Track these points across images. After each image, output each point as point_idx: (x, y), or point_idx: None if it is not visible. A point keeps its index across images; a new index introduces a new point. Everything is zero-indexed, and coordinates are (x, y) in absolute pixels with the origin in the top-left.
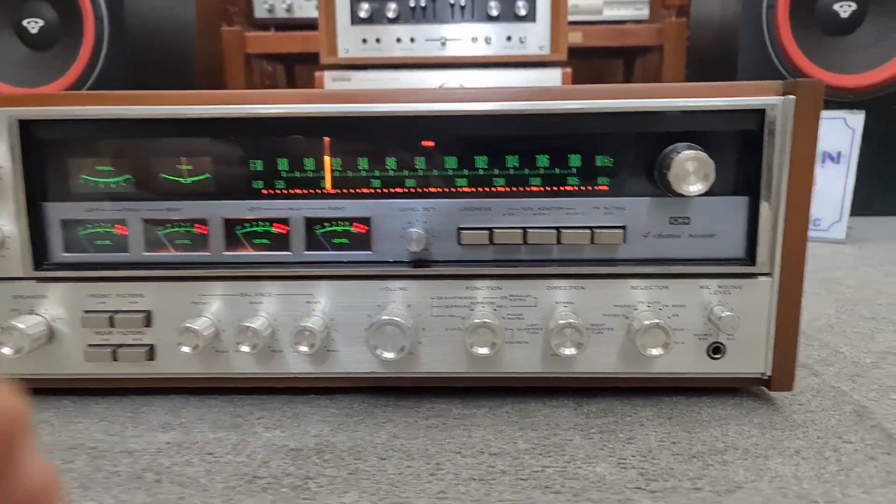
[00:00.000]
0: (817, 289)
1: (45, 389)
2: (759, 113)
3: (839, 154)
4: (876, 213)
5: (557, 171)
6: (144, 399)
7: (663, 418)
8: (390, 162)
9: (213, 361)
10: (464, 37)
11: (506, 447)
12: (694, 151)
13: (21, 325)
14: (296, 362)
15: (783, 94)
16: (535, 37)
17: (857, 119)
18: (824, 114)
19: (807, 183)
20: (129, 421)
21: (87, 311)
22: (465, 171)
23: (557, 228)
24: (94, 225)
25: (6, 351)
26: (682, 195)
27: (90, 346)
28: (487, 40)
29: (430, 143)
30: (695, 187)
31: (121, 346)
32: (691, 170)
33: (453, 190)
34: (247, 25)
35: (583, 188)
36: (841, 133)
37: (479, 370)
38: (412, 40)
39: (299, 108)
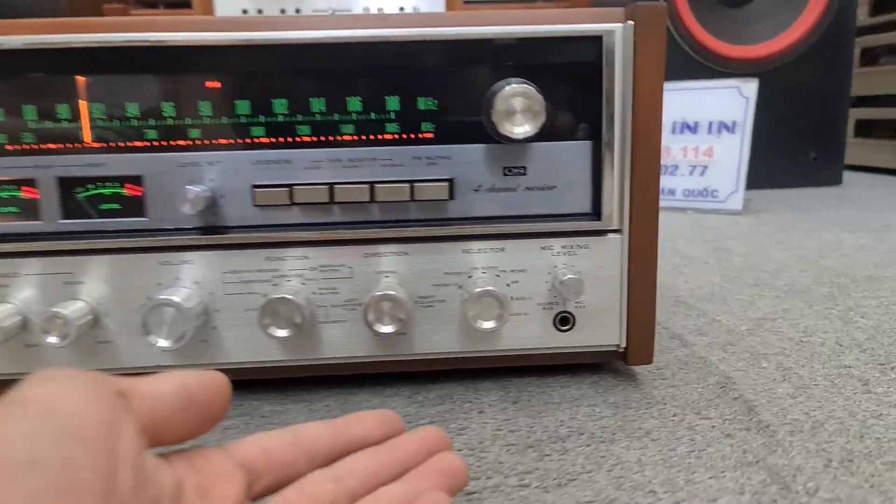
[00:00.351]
0: (708, 258)
1: None
2: (596, 41)
3: (734, 123)
4: (778, 186)
5: (373, 115)
6: None
7: (507, 403)
8: (167, 108)
9: None
10: None
11: None
12: (520, 85)
13: None
14: (59, 359)
15: (624, 21)
16: None
17: (750, 87)
18: (718, 83)
19: (654, 123)
20: None
21: None
22: (261, 118)
23: (371, 183)
24: None
25: None
26: (509, 139)
27: None
28: None
29: (216, 84)
30: (522, 129)
31: None
32: (518, 107)
33: (246, 140)
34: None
35: (403, 136)
36: (735, 102)
37: (290, 357)
38: None
39: (47, 38)
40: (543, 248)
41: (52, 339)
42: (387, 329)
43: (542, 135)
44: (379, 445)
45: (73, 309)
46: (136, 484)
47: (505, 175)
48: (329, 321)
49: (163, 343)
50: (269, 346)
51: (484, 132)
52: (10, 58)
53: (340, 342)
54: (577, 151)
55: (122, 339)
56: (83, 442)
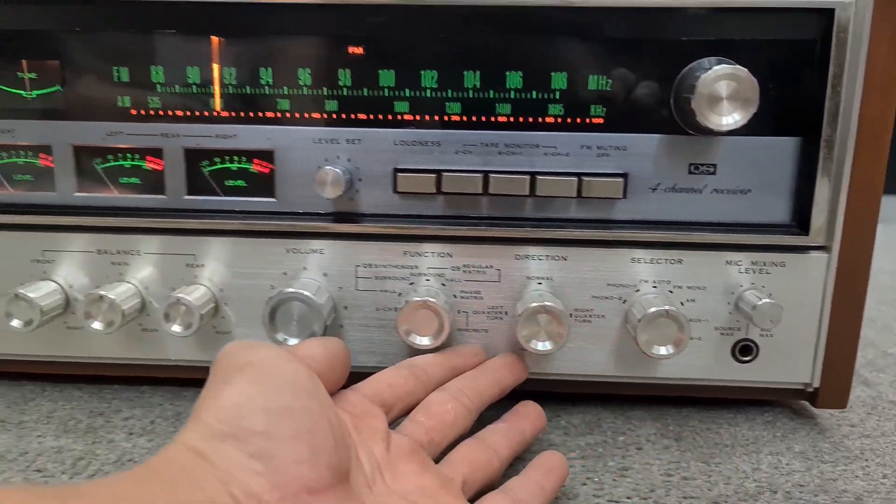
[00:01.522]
0: None
1: None
2: (826, 15)
3: None
4: None
5: (534, 94)
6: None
7: (669, 439)
8: (303, 75)
9: (64, 341)
10: None
11: None
12: (730, 67)
13: None
14: (177, 346)
15: None
16: None
17: None
18: None
19: (885, 119)
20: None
21: None
22: (406, 91)
23: (532, 174)
24: None
25: None
26: (709, 131)
27: None
28: None
29: (358, 49)
30: (730, 119)
31: None
32: (725, 93)
33: (389, 117)
34: None
35: (569, 120)
36: None
37: None
38: None
39: None
40: (729, 263)
41: (176, 329)
42: (543, 347)
43: (740, 128)
44: (476, 369)
45: (196, 296)
46: (339, 422)
47: (690, 173)
48: (468, 329)
49: (292, 342)
50: (396, 351)
51: (667, 120)
52: (141, 12)
53: None
54: (782, 149)
55: (241, 332)
56: (308, 394)
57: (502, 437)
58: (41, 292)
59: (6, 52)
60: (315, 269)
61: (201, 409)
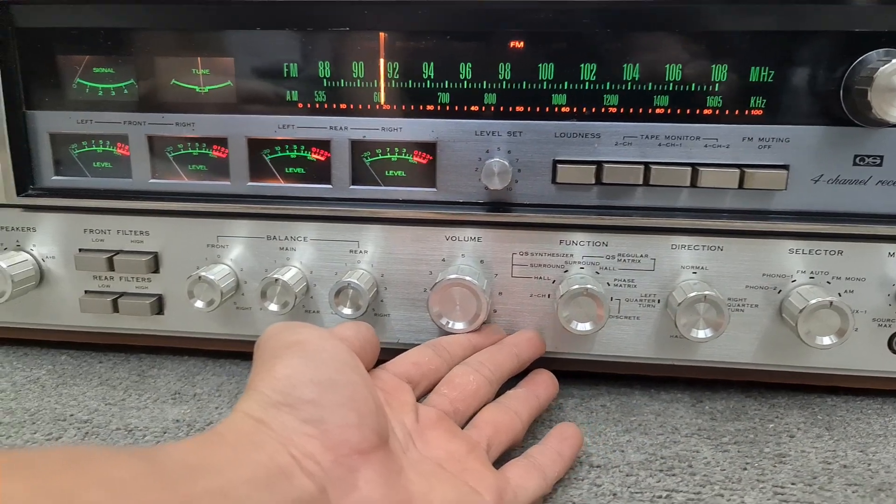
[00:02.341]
0: None
1: (38, 342)
2: None
3: None
4: None
5: (694, 86)
6: (154, 359)
7: (820, 428)
8: (463, 69)
9: (233, 320)
10: None
11: (611, 457)
12: None
13: (2, 264)
14: (326, 325)
15: None
16: None
17: None
18: None
19: None
20: (133, 387)
21: (82, 250)
22: (566, 84)
23: (693, 166)
24: (91, 142)
25: None
26: (882, 122)
27: (87, 293)
28: None
29: (519, 44)
30: None
31: (122, 294)
32: None
33: (549, 109)
34: None
35: (729, 111)
36: None
37: (568, 350)
38: None
39: None
40: (891, 255)
41: (347, 311)
42: (704, 335)
43: None
44: (495, 345)
45: (366, 281)
46: (376, 393)
47: (855, 165)
48: (619, 316)
49: (458, 326)
50: (548, 336)
51: (832, 111)
52: (311, 11)
53: (626, 340)
54: None
55: (398, 315)
56: (350, 368)
57: (521, 401)
58: (220, 275)
59: (183, 50)
60: (472, 257)
61: (257, 381)
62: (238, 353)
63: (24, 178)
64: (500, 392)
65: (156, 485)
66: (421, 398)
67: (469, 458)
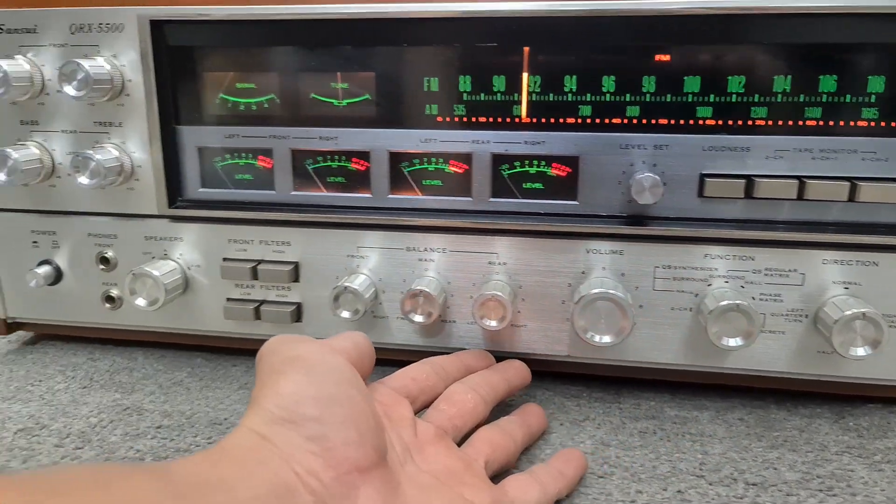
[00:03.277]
0: None
1: (174, 345)
2: None
3: None
4: None
5: (849, 98)
6: None
7: None
8: (607, 82)
9: (369, 329)
10: None
11: (765, 474)
12: None
13: (155, 272)
14: (465, 335)
15: None
16: None
17: None
18: None
19: None
20: None
21: (226, 259)
22: (713, 97)
23: (851, 180)
24: (234, 155)
25: (140, 302)
26: None
27: (230, 300)
28: None
29: (665, 57)
30: None
31: (263, 302)
32: None
33: (693, 122)
34: None
35: (885, 123)
36: None
37: (707, 364)
38: None
39: (492, 6)
40: None
41: (492, 323)
42: (863, 352)
43: None
44: (488, 368)
45: (508, 293)
46: (375, 408)
47: None
48: (764, 330)
49: (606, 340)
50: (688, 349)
51: None
52: (455, 27)
53: (770, 354)
54: None
55: (534, 326)
56: (350, 383)
57: (516, 426)
58: (363, 285)
59: (323, 65)
60: (613, 269)
61: (261, 397)
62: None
63: (174, 191)
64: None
65: (172, 502)
66: (418, 413)
67: (467, 473)
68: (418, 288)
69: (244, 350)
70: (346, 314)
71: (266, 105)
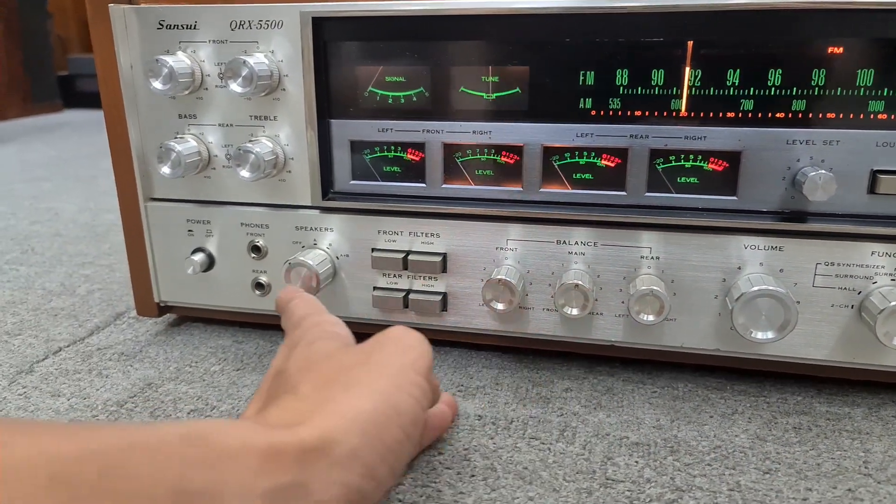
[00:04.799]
0: None
1: None
2: None
3: None
4: None
5: None
6: None
7: None
8: (772, 76)
9: (517, 319)
10: None
11: None
12: None
13: (311, 262)
14: (613, 328)
15: None
16: None
17: None
18: None
19: None
20: None
21: (376, 250)
22: (885, 90)
23: None
24: (384, 148)
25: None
26: None
27: (378, 289)
28: None
29: (836, 49)
30: None
31: (410, 291)
32: None
33: (864, 116)
34: None
35: None
36: None
37: (863, 361)
38: None
39: (659, 1)
40: None
41: (649, 318)
42: None
43: None
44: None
45: (663, 288)
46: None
47: None
48: None
49: (769, 336)
50: (842, 347)
51: None
52: (612, 22)
53: None
54: None
55: (685, 319)
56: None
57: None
58: (515, 277)
59: (475, 59)
60: (770, 266)
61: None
62: (511, 348)
63: (327, 183)
64: None
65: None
66: None
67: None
68: (573, 281)
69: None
70: (500, 306)
71: (414, 98)
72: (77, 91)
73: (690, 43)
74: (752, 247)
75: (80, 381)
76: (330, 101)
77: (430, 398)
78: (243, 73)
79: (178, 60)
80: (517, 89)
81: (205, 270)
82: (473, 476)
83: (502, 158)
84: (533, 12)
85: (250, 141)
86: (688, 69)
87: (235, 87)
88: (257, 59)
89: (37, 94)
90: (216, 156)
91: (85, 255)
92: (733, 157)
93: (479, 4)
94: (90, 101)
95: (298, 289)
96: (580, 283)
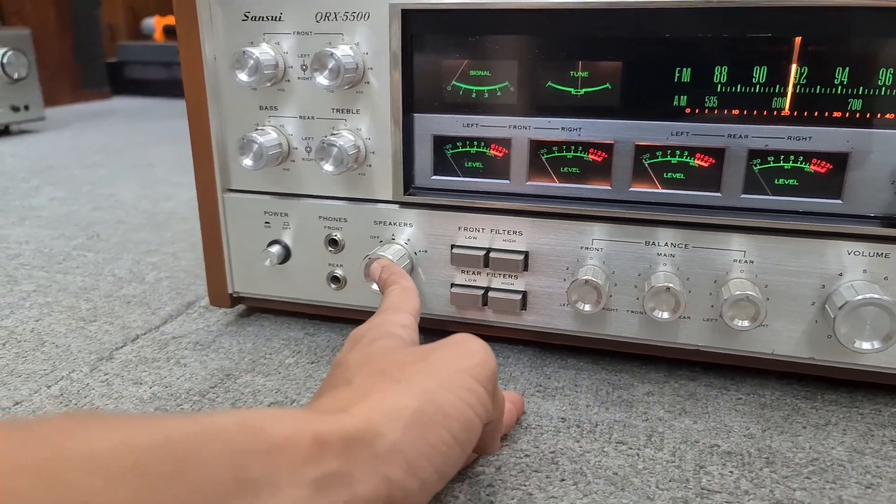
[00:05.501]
0: None
1: None
2: None
3: None
4: None
5: None
6: (496, 344)
7: None
8: (884, 75)
9: (594, 320)
10: None
11: None
12: None
13: (391, 258)
14: (699, 332)
15: None
16: None
17: None
18: None
19: None
20: None
21: (456, 247)
22: None
23: None
24: (467, 143)
25: (376, 287)
26: None
27: (455, 286)
28: None
29: None
30: None
31: (489, 289)
32: None
33: None
34: None
35: None
36: None
37: None
38: None
39: None
40: None
41: (744, 323)
42: None
43: None
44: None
45: (756, 292)
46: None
47: None
48: None
49: (876, 345)
50: None
51: None
52: (715, 17)
53: None
54: None
55: (778, 326)
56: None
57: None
58: (601, 278)
59: (565, 55)
60: (876, 272)
61: None
62: (587, 348)
63: (408, 178)
64: None
65: None
66: None
67: None
68: (665, 284)
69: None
70: (587, 308)
71: (499, 93)
72: (125, 78)
73: (798, 39)
74: (856, 252)
75: (160, 369)
76: (413, 95)
77: (488, 407)
78: (330, 66)
79: (263, 52)
80: (607, 84)
81: (281, 263)
82: (563, 480)
83: (590, 156)
84: (629, 7)
85: (332, 134)
86: (794, 66)
87: (322, 79)
88: (344, 52)
89: (86, 80)
90: (296, 148)
91: (149, 242)
92: (839, 159)
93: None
94: (138, 88)
95: (402, 272)
96: (672, 286)
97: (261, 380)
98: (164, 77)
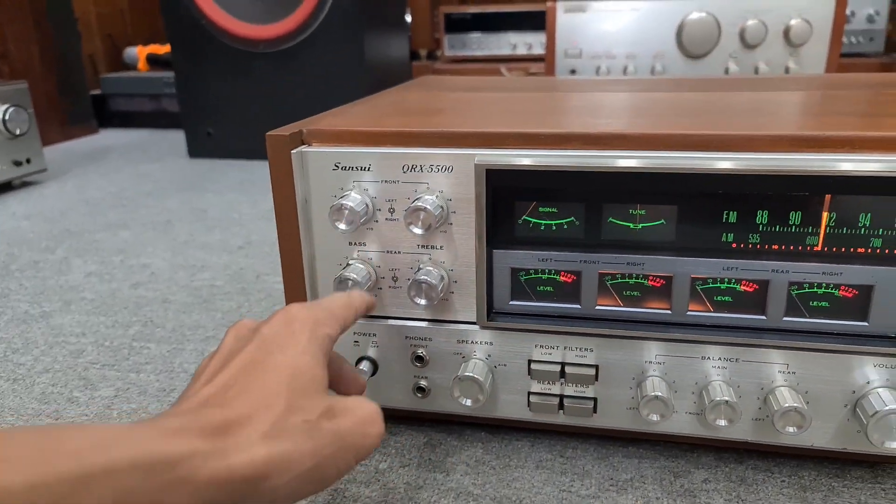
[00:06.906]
0: None
1: (443, 421)
2: None
3: None
4: None
5: None
6: (562, 438)
7: None
8: None
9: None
10: None
11: None
12: None
13: (479, 378)
14: (743, 428)
15: None
16: None
17: None
18: None
19: None
20: (560, 466)
21: (534, 361)
22: None
23: None
24: (542, 272)
25: (466, 402)
26: None
27: (533, 394)
28: None
29: None
30: None
31: (563, 396)
32: None
33: None
34: None
35: None
36: None
37: None
38: None
39: (800, 161)
40: None
41: (791, 430)
42: None
43: None
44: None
45: (802, 403)
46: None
47: None
48: None
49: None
50: None
51: None
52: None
53: None
54: None
55: (816, 423)
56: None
57: None
58: (665, 391)
59: (626, 196)
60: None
61: None
62: (651, 438)
63: (490, 304)
64: None
65: None
66: None
67: None
68: (724, 398)
69: (527, 430)
70: (654, 417)
71: (565, 227)
72: (110, 111)
73: (828, 197)
74: (882, 366)
75: None
76: (490, 233)
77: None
78: (422, 218)
79: (355, 199)
80: (662, 220)
81: (370, 376)
82: None
83: (649, 283)
84: (690, 171)
85: (419, 269)
86: (826, 214)
87: (416, 230)
88: (433, 203)
89: (73, 117)
90: (383, 277)
91: (205, 328)
92: (866, 288)
93: (640, 163)
94: (124, 120)
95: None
96: (730, 399)
97: (362, 489)
98: (151, 108)
